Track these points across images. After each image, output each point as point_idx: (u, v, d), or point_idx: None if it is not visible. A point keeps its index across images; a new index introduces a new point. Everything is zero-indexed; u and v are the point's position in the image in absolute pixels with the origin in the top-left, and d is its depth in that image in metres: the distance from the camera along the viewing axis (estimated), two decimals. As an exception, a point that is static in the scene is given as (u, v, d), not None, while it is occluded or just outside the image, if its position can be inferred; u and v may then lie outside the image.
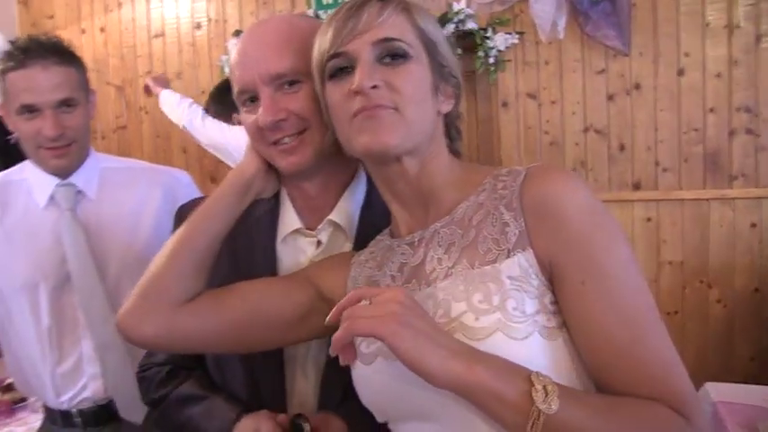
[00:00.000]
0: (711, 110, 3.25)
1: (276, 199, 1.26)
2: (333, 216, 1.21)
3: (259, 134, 1.14)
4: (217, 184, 3.77)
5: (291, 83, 1.11)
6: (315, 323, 1.07)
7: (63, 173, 1.77)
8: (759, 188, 3.21)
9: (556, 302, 0.86)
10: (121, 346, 1.78)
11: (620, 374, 0.82)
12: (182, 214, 1.28)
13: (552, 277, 0.87)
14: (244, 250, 1.22)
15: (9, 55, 1.68)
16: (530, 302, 0.85)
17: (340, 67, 0.97)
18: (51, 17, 4.32)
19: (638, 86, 3.34)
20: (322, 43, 0.99)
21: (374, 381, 0.94)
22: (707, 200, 3.29)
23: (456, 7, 3.44)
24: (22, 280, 1.76)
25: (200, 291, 1.10)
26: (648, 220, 3.36)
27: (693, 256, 3.32)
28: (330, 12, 3.52)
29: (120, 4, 4.17)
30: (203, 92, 3.96)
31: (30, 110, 1.66)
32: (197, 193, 2.01)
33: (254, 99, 1.13)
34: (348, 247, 1.20)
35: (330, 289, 1.09)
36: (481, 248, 0.90)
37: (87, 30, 4.24)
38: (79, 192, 1.80)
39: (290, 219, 1.23)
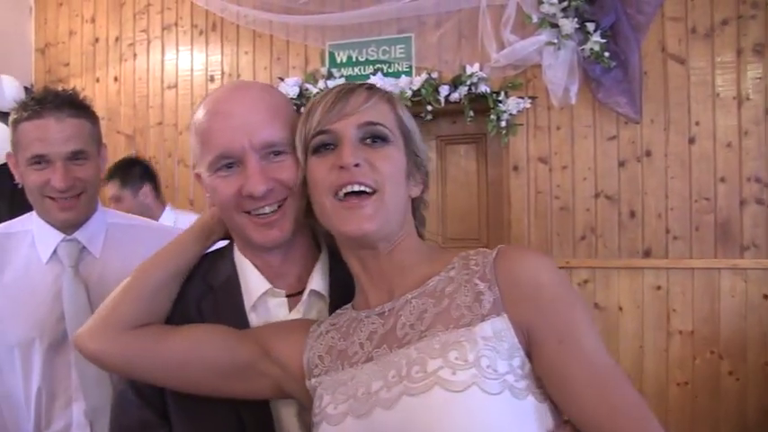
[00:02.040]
0: (722, 179, 3.26)
1: (232, 266, 1.23)
2: (314, 286, 1.20)
3: (235, 202, 1.12)
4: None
5: (278, 153, 1.12)
6: (255, 382, 1.13)
7: (69, 226, 1.73)
8: (770, 259, 3.19)
9: (522, 367, 0.93)
10: None
11: (601, 425, 0.90)
12: None
13: (529, 341, 0.94)
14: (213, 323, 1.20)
15: (23, 105, 1.67)
16: (500, 363, 0.91)
17: (324, 144, 1.05)
18: (67, 65, 4.36)
19: (648, 153, 3.35)
20: (309, 120, 1.06)
21: None
22: (718, 269, 3.26)
23: (469, 70, 3.48)
24: (16, 337, 1.70)
25: (149, 322, 1.17)
26: (658, 288, 3.33)
27: (704, 326, 3.28)
28: (343, 69, 3.56)
29: (135, 55, 4.22)
30: (214, 144, 3.99)
31: (40, 160, 1.64)
32: None
33: (231, 165, 1.11)
34: (325, 311, 1.20)
35: (281, 352, 1.12)
36: (454, 314, 0.97)
37: (101, 78, 4.28)
38: (83, 248, 1.75)
39: (255, 282, 1.21)
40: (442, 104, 3.52)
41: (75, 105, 1.69)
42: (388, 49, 3.64)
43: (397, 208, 1.04)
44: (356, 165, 1.00)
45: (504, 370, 0.91)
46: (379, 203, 1.01)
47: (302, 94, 3.69)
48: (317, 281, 1.21)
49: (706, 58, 3.28)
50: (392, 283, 1.07)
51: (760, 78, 3.21)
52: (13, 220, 1.83)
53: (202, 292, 1.22)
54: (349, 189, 1.00)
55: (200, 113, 1.16)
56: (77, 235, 1.74)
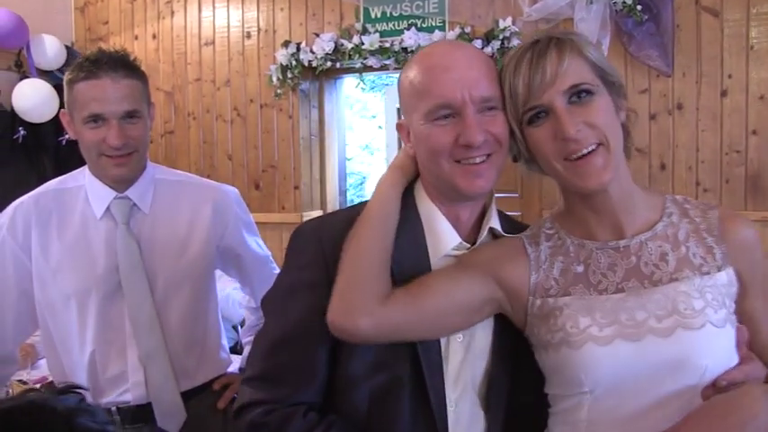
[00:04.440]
0: (754, 132, 3.26)
1: (415, 214, 1.30)
2: (492, 223, 1.29)
3: (449, 151, 1.20)
4: (261, 192, 3.90)
5: (491, 108, 1.20)
6: (486, 310, 1.26)
7: (122, 181, 1.83)
8: (800, 211, 3.21)
9: (734, 303, 1.18)
10: (165, 356, 1.84)
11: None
12: (320, 238, 1.31)
13: (740, 290, 1.19)
14: (399, 278, 1.24)
15: (79, 66, 1.76)
16: (729, 302, 1.17)
17: (537, 115, 1.16)
18: (106, 23, 4.44)
19: (680, 107, 3.36)
20: (515, 92, 1.17)
21: (609, 359, 1.13)
22: (747, 221, 3.28)
23: (502, 24, 3.50)
24: (74, 288, 1.81)
25: (390, 284, 1.22)
26: (687, 239, 3.37)
27: (732, 277, 3.31)
28: (377, 24, 3.57)
29: (172, 13, 4.28)
30: (251, 100, 4.08)
31: (96, 119, 1.73)
32: (245, 209, 2.08)
33: (448, 116, 1.20)
34: None
35: (508, 277, 1.24)
36: (696, 262, 1.17)
37: (140, 36, 4.37)
38: (134, 205, 1.85)
39: (446, 235, 1.27)
40: (475, 59, 3.53)
41: (128, 66, 1.79)
42: (421, 3, 3.66)
43: (619, 148, 1.17)
44: (578, 131, 1.12)
45: (732, 309, 1.17)
46: (607, 153, 1.13)
47: (337, 50, 3.74)
48: (495, 220, 1.31)
49: (741, 9, 3.25)
50: (619, 221, 1.21)
51: (796, 29, 3.18)
52: (66, 176, 1.93)
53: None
54: (578, 155, 1.13)
55: (413, 68, 1.25)
56: (129, 193, 1.85)
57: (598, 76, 1.16)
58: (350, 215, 1.29)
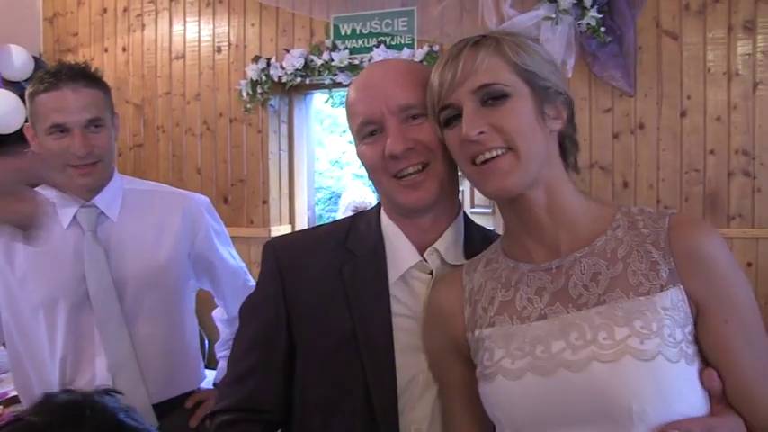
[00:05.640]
0: (711, 151, 3.36)
1: (378, 234, 1.28)
2: (437, 245, 1.25)
3: (382, 166, 1.19)
4: (229, 206, 3.89)
5: (415, 116, 1.18)
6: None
7: (88, 190, 1.82)
8: (755, 228, 3.31)
9: (691, 333, 0.99)
10: (134, 365, 1.83)
11: (756, 398, 0.99)
12: (276, 253, 1.32)
13: (698, 313, 1.00)
14: (355, 298, 1.24)
15: (39, 79, 1.76)
16: (677, 331, 0.97)
17: (451, 117, 1.08)
18: (75, 35, 4.41)
19: (642, 126, 3.45)
20: (431, 91, 1.11)
21: (519, 395, 1.03)
22: (705, 238, 3.37)
23: (470, 43, 3.56)
24: (42, 297, 1.79)
25: None
26: (648, 255, 3.44)
27: (691, 292, 3.39)
28: (347, 41, 3.62)
29: (143, 26, 4.27)
30: (221, 114, 4.08)
31: (59, 129, 1.73)
32: (216, 218, 2.08)
33: (374, 132, 1.19)
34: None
35: (457, 328, 1.16)
36: (632, 281, 1.01)
37: (110, 48, 4.34)
38: (101, 213, 1.85)
39: (405, 253, 1.25)
40: (444, 77, 3.59)
41: (88, 77, 1.80)
42: (390, 21, 3.72)
43: (534, 156, 1.05)
44: (481, 133, 1.03)
45: (680, 338, 0.97)
46: (514, 160, 1.03)
47: (307, 66, 3.78)
48: (442, 242, 1.25)
49: (698, 34, 3.37)
50: (556, 239, 1.08)
51: (749, 54, 3.29)
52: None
53: (345, 258, 1.27)
54: (482, 158, 1.04)
55: (347, 94, 1.26)
56: (96, 201, 1.84)
57: (523, 79, 1.05)
58: (314, 234, 1.36)
